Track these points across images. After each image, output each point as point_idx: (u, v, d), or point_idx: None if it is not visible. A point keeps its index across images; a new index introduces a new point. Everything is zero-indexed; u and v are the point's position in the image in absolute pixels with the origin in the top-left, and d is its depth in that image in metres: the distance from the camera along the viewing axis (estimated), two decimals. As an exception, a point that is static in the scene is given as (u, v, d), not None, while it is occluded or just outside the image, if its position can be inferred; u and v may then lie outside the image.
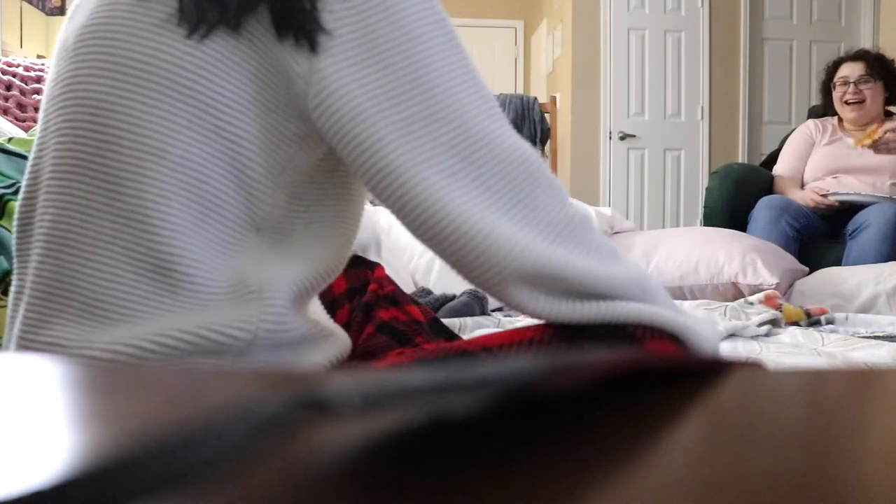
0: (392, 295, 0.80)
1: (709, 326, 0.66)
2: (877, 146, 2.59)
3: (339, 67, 0.53)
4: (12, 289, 0.61)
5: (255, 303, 0.56)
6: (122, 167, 0.54)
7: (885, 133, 2.57)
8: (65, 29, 0.61)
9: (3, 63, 1.78)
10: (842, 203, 2.62)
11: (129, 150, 0.54)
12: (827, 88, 2.94)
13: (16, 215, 0.61)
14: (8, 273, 0.99)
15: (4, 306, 0.98)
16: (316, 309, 0.66)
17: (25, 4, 6.40)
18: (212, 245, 0.55)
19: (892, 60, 2.88)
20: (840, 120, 2.92)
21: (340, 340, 0.64)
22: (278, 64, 0.54)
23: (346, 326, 0.77)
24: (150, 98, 0.54)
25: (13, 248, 0.61)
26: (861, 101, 2.79)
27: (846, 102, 2.81)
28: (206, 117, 0.54)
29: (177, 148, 0.54)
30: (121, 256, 0.54)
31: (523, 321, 1.66)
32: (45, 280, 0.56)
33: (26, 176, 0.62)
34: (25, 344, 0.56)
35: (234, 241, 0.56)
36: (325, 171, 0.60)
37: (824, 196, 2.65)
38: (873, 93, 2.80)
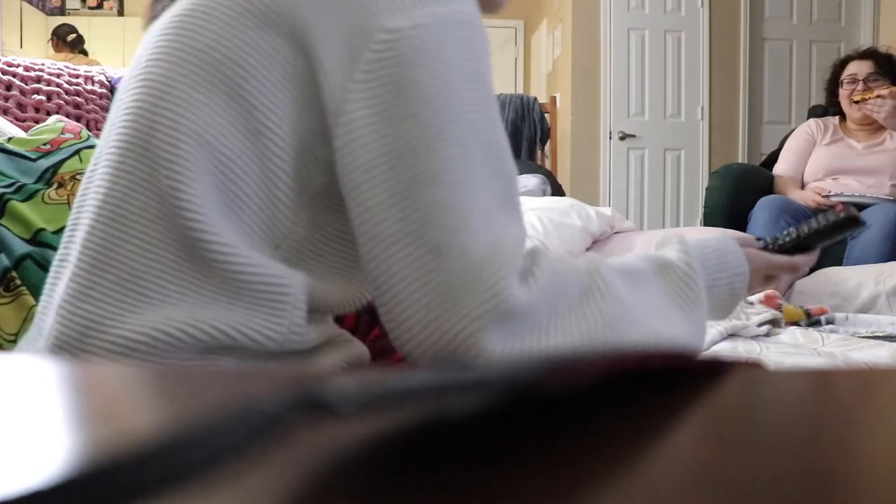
0: None
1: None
2: (865, 103, 2.61)
3: (361, 115, 0.53)
4: (58, 256, 0.62)
5: (289, 308, 0.56)
6: (165, 146, 0.56)
7: (877, 97, 2.59)
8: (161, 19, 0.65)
9: (3, 63, 1.78)
10: (844, 204, 2.61)
11: (171, 131, 0.56)
12: (832, 87, 2.93)
13: (81, 185, 0.64)
14: (8, 270, 0.99)
15: (6, 303, 0.98)
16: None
17: (25, 4, 6.40)
18: (240, 237, 0.56)
19: None
20: (842, 120, 2.92)
21: (357, 347, 0.65)
22: (317, 90, 0.55)
23: (353, 330, 0.77)
24: (201, 86, 0.56)
25: (72, 213, 0.62)
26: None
27: (854, 101, 2.80)
28: (249, 117, 0.55)
29: (215, 139, 0.55)
30: (162, 236, 0.55)
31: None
32: (91, 251, 0.57)
33: (97, 149, 0.63)
34: (64, 315, 0.57)
35: (257, 246, 0.57)
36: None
37: (826, 197, 2.65)
38: (888, 87, 2.79)
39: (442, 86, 0.53)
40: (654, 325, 0.59)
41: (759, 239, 0.78)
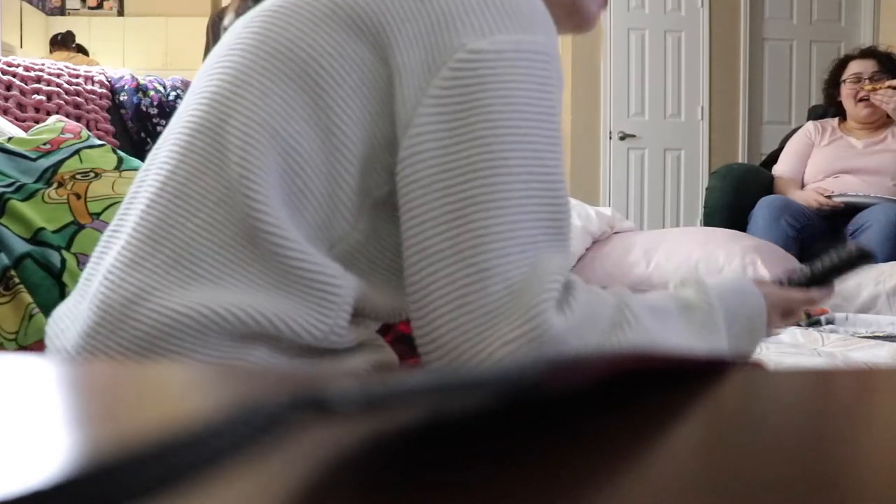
0: None
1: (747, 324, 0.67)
2: (875, 93, 2.61)
3: (430, 129, 0.55)
4: (109, 229, 0.63)
5: (336, 306, 0.57)
6: (236, 133, 0.57)
7: (888, 87, 2.59)
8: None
9: (3, 63, 1.78)
10: (846, 204, 2.62)
11: (246, 119, 0.57)
12: (830, 88, 2.93)
13: (145, 163, 0.65)
14: (7, 269, 0.99)
15: (5, 303, 0.98)
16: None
17: (25, 4, 6.40)
18: (299, 229, 0.57)
19: None
20: (841, 121, 2.92)
21: (389, 352, 0.66)
22: (391, 99, 0.56)
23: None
24: (281, 80, 0.57)
25: (132, 188, 0.63)
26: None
27: (860, 99, 2.79)
28: (323, 116, 0.57)
29: (288, 133, 0.56)
30: (223, 219, 0.56)
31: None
32: (149, 223, 0.58)
33: (166, 131, 0.64)
34: (112, 280, 0.57)
35: (314, 243, 0.58)
36: None
37: (828, 197, 2.65)
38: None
39: (512, 114, 0.55)
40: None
41: (773, 280, 0.80)
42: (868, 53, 2.87)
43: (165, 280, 0.56)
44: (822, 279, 0.78)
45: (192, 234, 0.56)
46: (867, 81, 2.77)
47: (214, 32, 2.50)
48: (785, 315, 0.76)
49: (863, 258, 0.79)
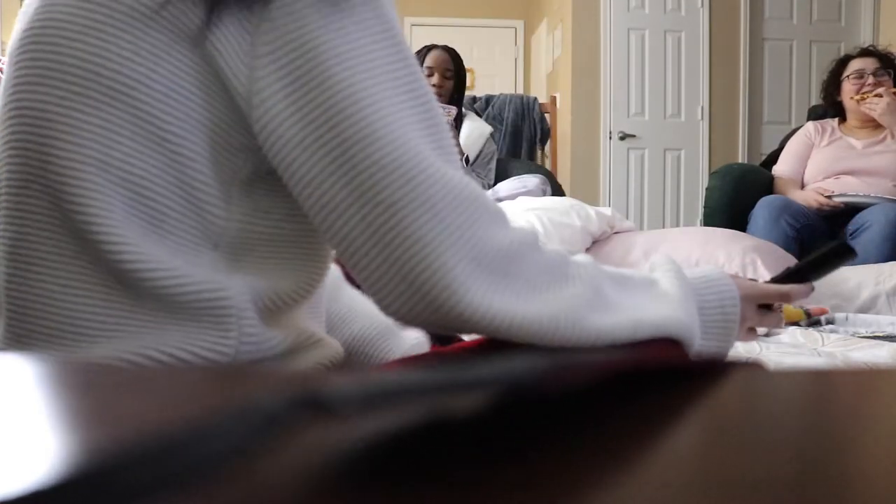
0: None
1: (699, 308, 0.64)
2: (865, 102, 2.64)
3: (275, 90, 0.50)
4: None
5: (233, 320, 0.53)
6: (65, 180, 0.52)
7: (875, 95, 2.61)
8: (13, 33, 0.59)
9: (4, 63, 1.78)
10: (846, 205, 2.62)
11: (70, 162, 0.52)
12: (830, 87, 2.93)
13: None
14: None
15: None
16: (304, 316, 0.63)
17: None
18: (170, 253, 0.53)
19: None
20: (841, 121, 2.92)
21: (330, 347, 0.63)
22: (219, 77, 0.52)
23: None
24: (88, 106, 0.52)
25: None
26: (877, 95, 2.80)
27: (864, 95, 2.80)
28: (149, 127, 0.52)
29: (118, 160, 0.52)
30: (86, 271, 0.53)
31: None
32: (18, 300, 0.54)
33: None
34: None
35: (190, 255, 0.54)
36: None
37: (828, 198, 2.65)
38: (887, 87, 2.80)
39: (347, 42, 0.50)
40: (636, 314, 0.57)
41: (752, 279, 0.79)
42: (867, 52, 2.88)
43: (59, 349, 0.53)
44: (803, 275, 0.77)
45: (62, 298, 0.53)
46: (871, 77, 2.78)
47: None
48: (761, 311, 0.73)
49: (844, 255, 0.77)
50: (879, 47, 3.02)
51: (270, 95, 0.50)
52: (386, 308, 0.52)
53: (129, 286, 0.52)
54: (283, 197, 0.55)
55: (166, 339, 0.53)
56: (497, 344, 0.60)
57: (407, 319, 0.52)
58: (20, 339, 0.55)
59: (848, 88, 2.85)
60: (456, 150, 0.55)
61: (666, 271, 0.65)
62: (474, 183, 0.52)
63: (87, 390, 0.28)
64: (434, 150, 0.52)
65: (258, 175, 0.55)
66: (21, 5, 0.62)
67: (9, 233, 0.55)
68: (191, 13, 0.51)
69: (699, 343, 0.62)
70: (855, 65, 2.85)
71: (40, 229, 0.54)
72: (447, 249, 0.49)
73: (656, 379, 0.27)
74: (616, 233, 2.34)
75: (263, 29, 0.50)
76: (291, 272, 0.58)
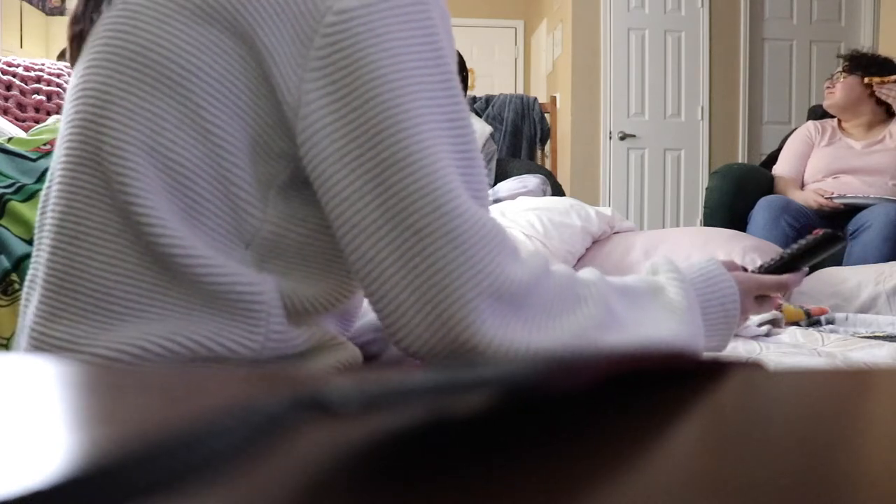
0: None
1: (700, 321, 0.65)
2: (881, 86, 2.65)
3: (322, 104, 0.52)
4: (28, 276, 0.61)
5: (263, 315, 0.55)
6: (115, 160, 0.54)
7: (894, 82, 2.63)
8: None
9: (3, 63, 1.78)
10: (846, 205, 2.62)
11: (121, 143, 0.54)
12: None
13: (39, 202, 0.62)
14: (8, 273, 0.99)
15: (5, 305, 0.98)
16: (331, 320, 0.64)
17: (25, 4, 6.39)
18: (207, 243, 0.55)
19: (880, 58, 2.91)
20: (840, 121, 2.93)
21: (349, 350, 0.63)
22: (270, 82, 0.53)
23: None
24: (143, 91, 0.54)
25: (35, 232, 0.61)
26: (832, 94, 2.85)
27: (884, 80, 2.84)
28: (195, 118, 0.54)
29: (163, 145, 0.54)
30: (127, 249, 0.54)
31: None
32: (57, 273, 0.56)
33: (51, 165, 0.62)
34: (36, 337, 0.56)
35: (223, 249, 0.55)
36: None
37: (829, 199, 2.65)
38: (844, 85, 2.83)
39: (398, 65, 0.52)
40: (645, 331, 0.59)
41: (743, 269, 0.80)
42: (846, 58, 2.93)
43: (88, 327, 0.55)
44: (794, 263, 0.78)
45: (101, 274, 0.55)
46: (828, 81, 2.85)
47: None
48: (758, 302, 0.75)
49: (833, 241, 0.78)
50: (870, 50, 3.05)
51: (317, 109, 0.52)
52: (400, 338, 0.53)
53: (166, 268, 0.54)
54: (320, 208, 0.56)
55: (196, 327, 0.54)
56: None
57: (420, 349, 0.53)
58: (52, 315, 0.56)
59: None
60: (486, 184, 0.57)
61: (670, 279, 0.66)
62: (494, 220, 0.53)
63: (87, 390, 0.28)
64: (464, 184, 0.53)
65: (297, 182, 0.56)
66: (21, 10, 0.64)
67: (60, 206, 0.57)
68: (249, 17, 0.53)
69: (703, 345, 0.63)
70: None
71: (88, 205, 0.56)
72: (468, 281, 0.51)
73: (656, 379, 0.27)
74: (616, 233, 2.34)
75: (317, 44, 0.52)
76: (317, 282, 0.59)
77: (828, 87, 2.90)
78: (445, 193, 0.51)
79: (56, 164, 0.59)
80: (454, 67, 0.56)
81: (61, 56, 2.41)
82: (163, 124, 0.54)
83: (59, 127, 0.61)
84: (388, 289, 0.52)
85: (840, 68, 2.87)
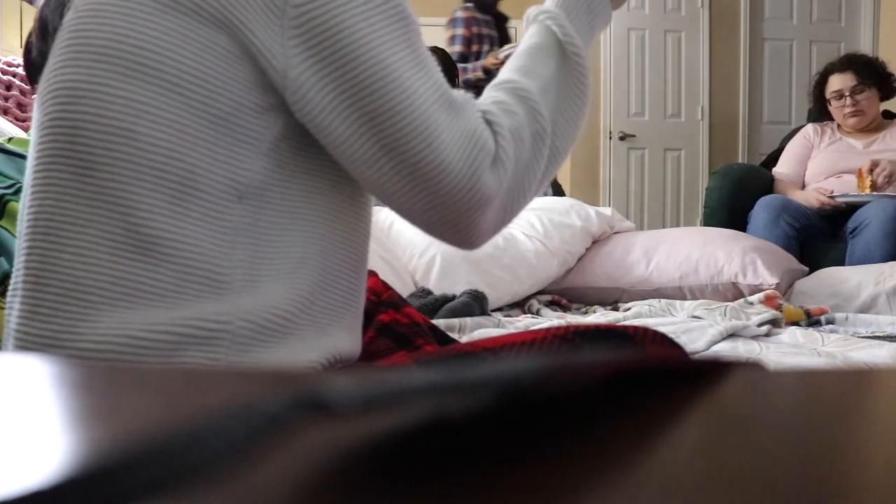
0: (390, 300, 0.80)
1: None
2: (876, 187, 2.58)
3: (307, 66, 0.56)
4: (11, 282, 0.61)
5: (245, 293, 0.56)
6: (94, 152, 0.55)
7: (878, 175, 2.57)
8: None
9: (3, 63, 1.78)
10: (848, 204, 2.62)
11: (99, 135, 0.55)
12: (817, 95, 2.95)
13: (21, 200, 0.63)
14: (8, 275, 0.99)
15: (4, 307, 0.98)
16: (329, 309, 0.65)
17: (25, 4, 6.39)
18: (192, 223, 0.56)
19: (880, 62, 2.88)
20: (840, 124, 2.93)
21: (341, 340, 0.63)
22: (249, 53, 0.56)
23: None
24: (116, 81, 0.55)
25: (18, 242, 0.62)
26: (860, 112, 2.80)
27: (846, 115, 2.82)
28: (175, 95, 0.55)
29: (146, 128, 0.55)
30: (98, 239, 0.55)
31: (523, 322, 1.66)
32: (33, 271, 0.57)
33: (25, 174, 0.63)
34: (19, 337, 0.57)
35: (216, 214, 0.57)
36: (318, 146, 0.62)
37: (831, 198, 2.65)
38: (869, 101, 2.81)
39: (368, 21, 0.57)
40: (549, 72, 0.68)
41: None
42: (846, 64, 2.85)
43: (63, 320, 0.55)
44: None
45: (70, 265, 0.55)
46: (849, 98, 2.79)
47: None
48: None
49: None
50: (868, 52, 3.03)
51: (304, 71, 0.57)
52: (424, 223, 0.63)
53: (143, 253, 0.55)
54: (307, 157, 0.61)
55: (173, 311, 0.55)
56: (496, 348, 0.60)
57: (440, 228, 0.63)
58: (31, 313, 0.57)
59: (832, 109, 2.88)
60: (457, 93, 0.64)
61: (541, 23, 0.72)
62: (473, 125, 0.61)
63: (86, 390, 0.28)
64: (440, 99, 0.60)
65: (286, 134, 0.60)
66: (21, 10, 0.67)
67: (34, 207, 0.58)
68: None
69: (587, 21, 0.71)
70: (834, 83, 2.85)
71: (58, 200, 0.57)
72: (459, 209, 0.61)
73: (656, 379, 0.27)
74: (616, 233, 2.34)
75: (290, 14, 0.56)
76: (306, 235, 0.62)
77: (852, 107, 2.79)
78: (431, 132, 0.58)
79: (29, 170, 0.60)
80: (412, 13, 0.61)
81: None
82: (140, 108, 0.55)
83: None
84: (401, 207, 0.62)
85: (854, 83, 2.81)
